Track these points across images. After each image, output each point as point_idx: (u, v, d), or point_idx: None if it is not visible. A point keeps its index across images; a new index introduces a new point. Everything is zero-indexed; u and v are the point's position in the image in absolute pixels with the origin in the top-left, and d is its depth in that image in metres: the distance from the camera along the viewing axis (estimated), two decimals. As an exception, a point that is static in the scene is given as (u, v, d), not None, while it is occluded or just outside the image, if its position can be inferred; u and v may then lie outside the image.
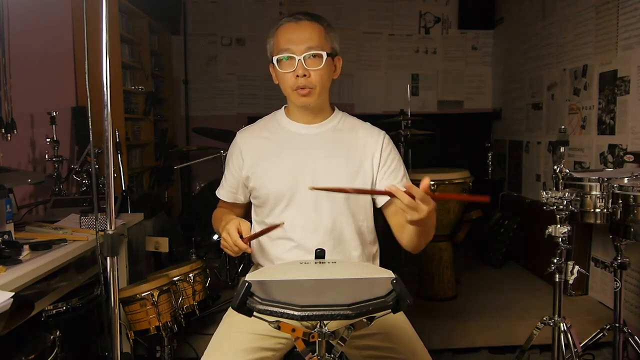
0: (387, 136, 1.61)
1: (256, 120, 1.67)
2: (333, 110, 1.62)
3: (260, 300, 0.97)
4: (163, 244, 2.51)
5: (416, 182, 1.22)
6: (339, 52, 1.54)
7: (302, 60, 1.44)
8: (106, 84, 1.25)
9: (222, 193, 1.66)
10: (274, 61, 1.48)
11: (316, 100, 1.50)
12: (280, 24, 1.51)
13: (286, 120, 1.59)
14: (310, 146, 1.54)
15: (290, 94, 1.50)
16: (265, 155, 1.55)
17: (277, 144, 1.56)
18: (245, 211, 1.69)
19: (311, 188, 1.38)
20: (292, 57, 1.45)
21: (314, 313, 0.93)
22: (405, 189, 1.19)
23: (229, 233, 1.34)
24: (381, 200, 1.56)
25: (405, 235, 1.47)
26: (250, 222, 1.47)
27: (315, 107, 1.54)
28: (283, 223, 1.38)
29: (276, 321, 1.03)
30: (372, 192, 1.42)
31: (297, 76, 1.45)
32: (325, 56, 1.46)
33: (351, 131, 1.59)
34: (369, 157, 1.56)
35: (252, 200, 1.63)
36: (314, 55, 1.46)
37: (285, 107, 1.63)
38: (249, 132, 1.62)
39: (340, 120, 1.61)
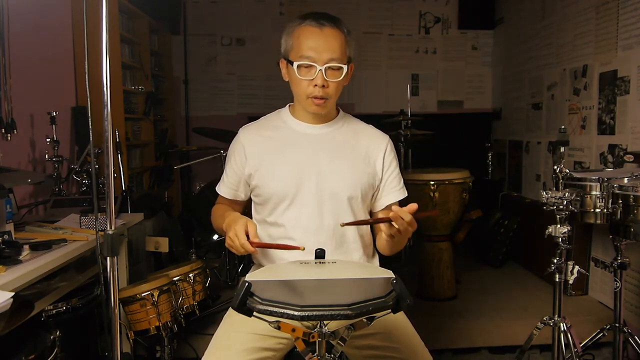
0: (390, 141, 1.62)
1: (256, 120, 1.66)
2: (338, 111, 1.62)
3: (260, 300, 0.97)
4: (163, 244, 2.50)
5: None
6: (353, 59, 1.53)
7: (323, 71, 1.44)
8: (106, 84, 1.25)
9: (222, 189, 1.65)
10: (294, 65, 1.46)
11: (328, 109, 1.52)
12: (301, 25, 1.48)
13: (291, 119, 1.59)
14: (314, 146, 1.54)
15: (303, 100, 1.49)
16: (269, 154, 1.54)
17: (281, 142, 1.55)
18: (245, 207, 1.68)
19: (342, 225, 1.40)
20: (312, 65, 1.44)
21: (314, 313, 0.93)
22: (398, 214, 1.29)
23: (237, 235, 1.33)
24: (379, 206, 1.58)
25: (382, 242, 1.54)
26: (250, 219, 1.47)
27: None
28: (304, 248, 1.31)
29: (276, 321, 1.03)
30: (381, 221, 1.43)
31: (315, 85, 1.44)
32: (345, 69, 1.46)
33: (356, 133, 1.59)
34: (373, 159, 1.57)
35: (253, 198, 1.63)
36: (335, 67, 1.45)
37: (290, 105, 1.62)
38: (252, 130, 1.61)
39: (345, 122, 1.61)
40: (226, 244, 1.40)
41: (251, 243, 1.33)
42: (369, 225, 1.61)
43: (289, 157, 1.53)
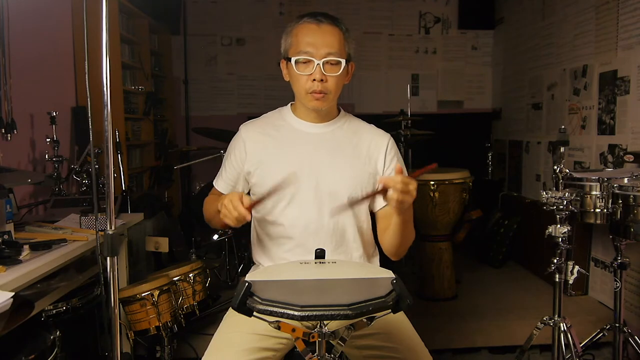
0: (391, 139, 1.61)
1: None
2: (339, 111, 1.62)
3: (260, 300, 0.97)
4: (163, 244, 2.50)
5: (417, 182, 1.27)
6: (353, 58, 1.54)
7: (321, 65, 1.44)
8: (106, 84, 1.25)
9: (220, 184, 1.65)
10: (292, 61, 1.47)
11: (328, 104, 1.51)
12: (299, 23, 1.50)
13: (292, 117, 1.59)
14: (315, 145, 1.54)
15: (303, 96, 1.50)
16: (269, 152, 1.54)
17: (281, 141, 1.56)
18: None
19: (332, 214, 1.38)
20: (310, 60, 1.45)
21: (314, 313, 0.93)
22: (389, 179, 1.28)
23: (231, 199, 1.33)
24: (379, 204, 1.57)
25: (388, 237, 1.51)
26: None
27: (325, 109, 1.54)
28: (293, 174, 1.36)
29: (276, 321, 1.03)
30: (373, 194, 1.42)
31: (314, 80, 1.45)
32: (344, 63, 1.47)
33: (356, 132, 1.59)
34: (374, 158, 1.56)
35: (252, 197, 1.63)
36: (333, 62, 1.46)
37: (291, 104, 1.63)
38: (253, 127, 1.61)
39: (346, 121, 1.61)
40: (220, 215, 1.38)
41: (246, 207, 1.32)
42: (369, 225, 1.61)
43: (289, 155, 1.53)
